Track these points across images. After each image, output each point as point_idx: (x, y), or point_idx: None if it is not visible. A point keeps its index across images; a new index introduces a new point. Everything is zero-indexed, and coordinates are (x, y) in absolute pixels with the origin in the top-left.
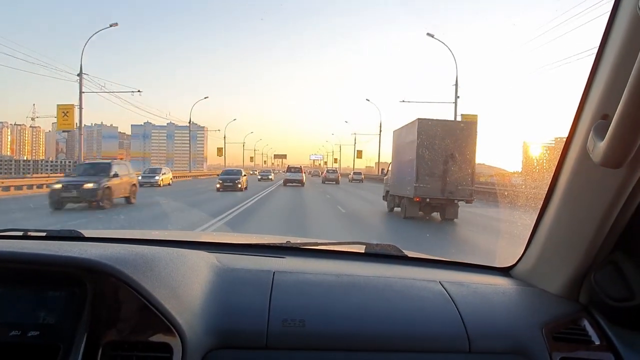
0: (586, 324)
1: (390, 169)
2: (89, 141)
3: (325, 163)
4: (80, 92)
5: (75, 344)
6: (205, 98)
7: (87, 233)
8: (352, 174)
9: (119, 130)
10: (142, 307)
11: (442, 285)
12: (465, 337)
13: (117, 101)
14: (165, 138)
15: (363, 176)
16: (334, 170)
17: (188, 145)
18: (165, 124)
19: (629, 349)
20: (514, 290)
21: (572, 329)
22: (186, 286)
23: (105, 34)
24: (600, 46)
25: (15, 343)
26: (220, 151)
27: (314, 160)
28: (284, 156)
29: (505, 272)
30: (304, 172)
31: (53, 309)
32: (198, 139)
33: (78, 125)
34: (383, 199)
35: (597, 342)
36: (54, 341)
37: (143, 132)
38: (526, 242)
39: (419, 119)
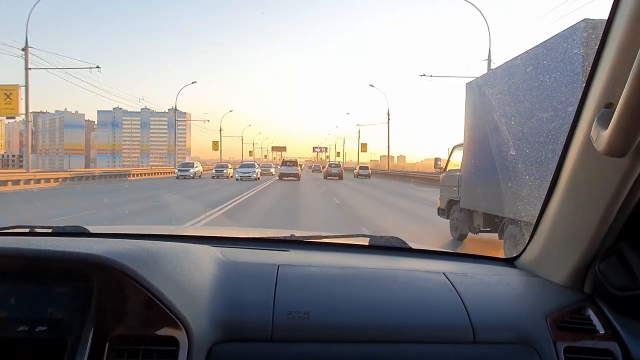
0: (590, 313)
1: (460, 160)
2: (50, 131)
3: (328, 157)
4: (27, 69)
5: (83, 339)
6: (193, 83)
7: (92, 229)
8: (357, 168)
9: (85, 118)
10: (148, 301)
11: (446, 276)
12: (469, 328)
13: (80, 83)
14: (138, 127)
15: (370, 171)
16: (336, 164)
17: (166, 135)
18: (139, 110)
19: (634, 338)
20: (519, 280)
21: (577, 318)
22: (191, 280)
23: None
24: (603, 34)
25: (23, 338)
26: (215, 145)
27: (317, 153)
28: (284, 148)
29: (509, 262)
30: (300, 166)
31: (60, 304)
32: (179, 128)
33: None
34: (440, 215)
35: (602, 332)
36: (62, 336)
37: (112, 119)
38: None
39: (586, 19)
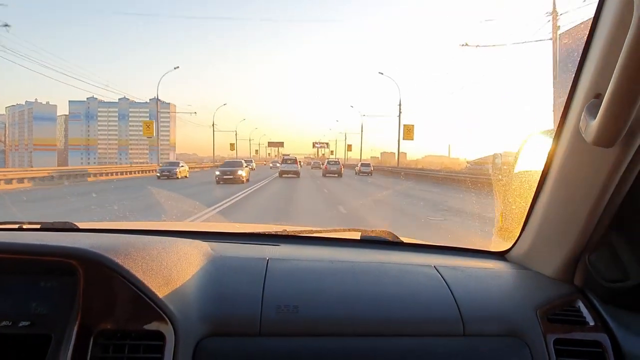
0: (581, 305)
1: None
2: (20, 125)
3: (332, 152)
4: None
5: (67, 334)
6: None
7: (81, 225)
8: (359, 165)
9: (58, 113)
10: (133, 295)
11: (437, 269)
12: (459, 321)
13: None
14: (116, 119)
15: (372, 168)
16: (335, 161)
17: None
18: (117, 100)
19: (623, 329)
20: (509, 273)
21: (567, 310)
22: (178, 274)
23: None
24: (592, 25)
25: (7, 334)
26: (148, 128)
27: (317, 149)
28: (281, 144)
29: (500, 256)
30: (299, 163)
31: (44, 299)
32: (162, 120)
33: None
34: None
35: (592, 323)
36: (46, 331)
37: (86, 110)
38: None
39: None
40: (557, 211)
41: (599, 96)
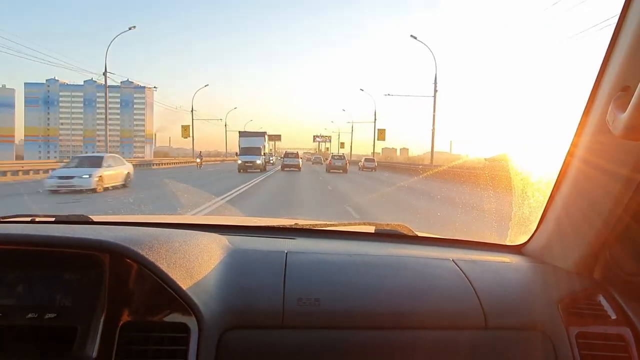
0: (602, 299)
1: None
2: None
3: (343, 145)
4: None
5: (93, 326)
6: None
7: (96, 218)
8: (363, 160)
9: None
10: (158, 287)
11: (455, 263)
12: (481, 314)
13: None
14: (81, 105)
15: (376, 164)
16: (340, 156)
17: (118, 116)
18: (82, 82)
19: None
20: (528, 267)
21: (588, 304)
22: (200, 267)
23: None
24: (621, 15)
25: (33, 326)
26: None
27: (318, 143)
28: (278, 137)
29: (517, 249)
30: (300, 158)
31: (69, 291)
32: (136, 105)
33: None
34: None
35: (614, 317)
36: (71, 323)
37: (45, 94)
38: (538, 219)
39: None
40: (578, 204)
41: (627, 89)
